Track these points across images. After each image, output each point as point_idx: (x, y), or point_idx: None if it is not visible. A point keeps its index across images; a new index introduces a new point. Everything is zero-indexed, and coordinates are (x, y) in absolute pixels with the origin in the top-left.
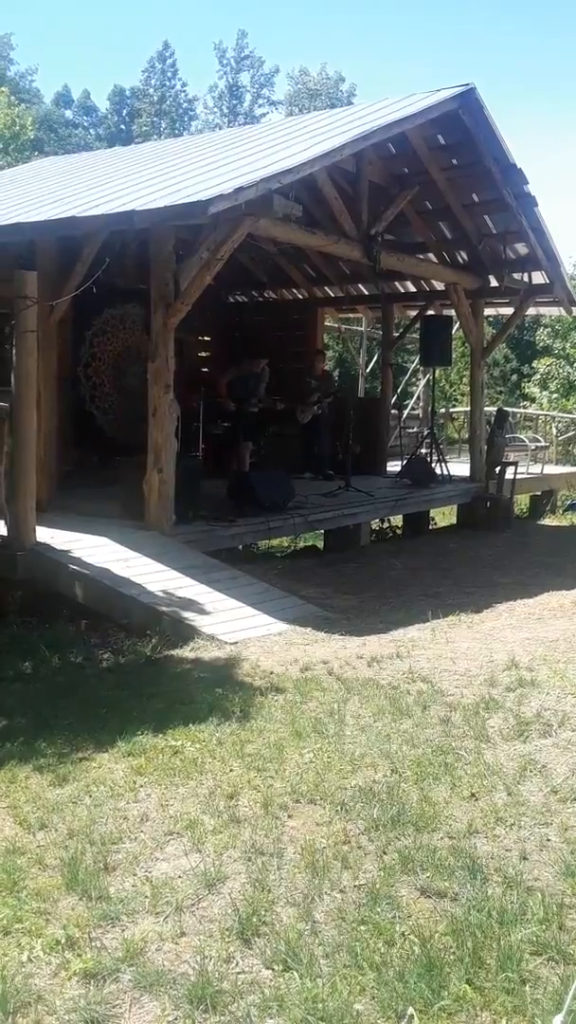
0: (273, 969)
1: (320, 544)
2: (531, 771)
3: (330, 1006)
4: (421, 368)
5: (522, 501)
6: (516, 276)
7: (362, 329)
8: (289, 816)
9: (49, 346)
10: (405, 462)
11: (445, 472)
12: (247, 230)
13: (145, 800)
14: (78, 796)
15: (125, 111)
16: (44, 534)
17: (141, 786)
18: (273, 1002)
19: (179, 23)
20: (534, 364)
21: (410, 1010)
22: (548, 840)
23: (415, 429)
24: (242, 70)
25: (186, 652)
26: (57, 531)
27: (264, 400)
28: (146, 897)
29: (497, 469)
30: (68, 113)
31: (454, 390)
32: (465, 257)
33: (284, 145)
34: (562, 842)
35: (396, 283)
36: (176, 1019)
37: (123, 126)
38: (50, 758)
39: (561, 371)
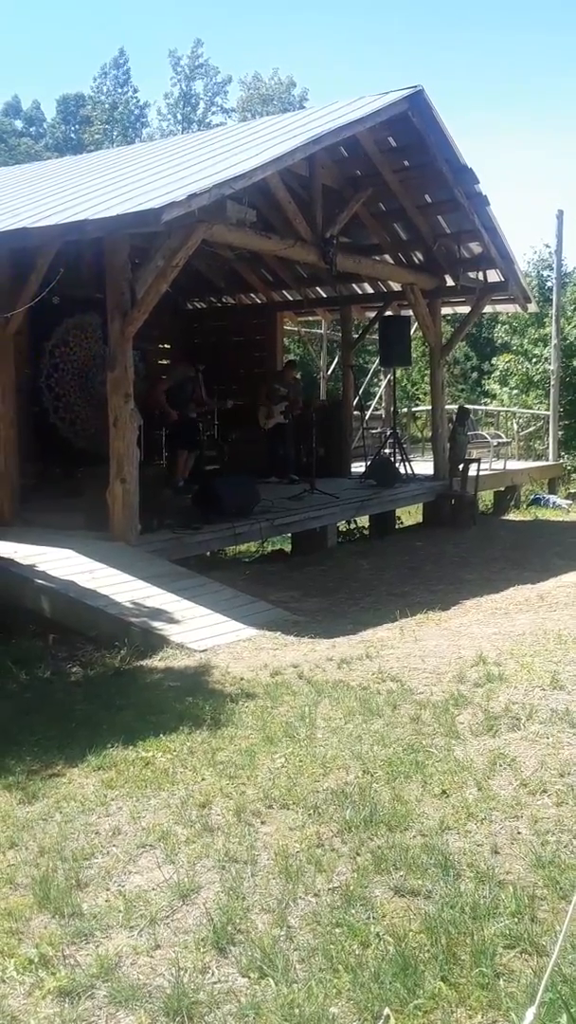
0: (249, 977)
1: (288, 548)
2: (501, 765)
3: (307, 1011)
4: (382, 369)
5: (486, 497)
6: (471, 275)
7: (322, 331)
8: (262, 822)
9: (6, 358)
10: (369, 463)
11: (409, 471)
12: (201, 236)
13: (116, 813)
14: (48, 813)
15: (75, 120)
16: (7, 548)
17: (112, 799)
18: (250, 1010)
19: (132, 30)
20: (493, 361)
21: (386, 1011)
22: (519, 833)
23: (378, 430)
24: (196, 78)
25: (155, 662)
26: (20, 545)
27: (207, 403)
28: (120, 911)
29: (460, 467)
30: (18, 123)
31: (416, 389)
32: (421, 257)
33: (236, 151)
34: (532, 834)
35: (353, 285)
36: None
37: (72, 135)
38: (19, 775)
39: (520, 367)
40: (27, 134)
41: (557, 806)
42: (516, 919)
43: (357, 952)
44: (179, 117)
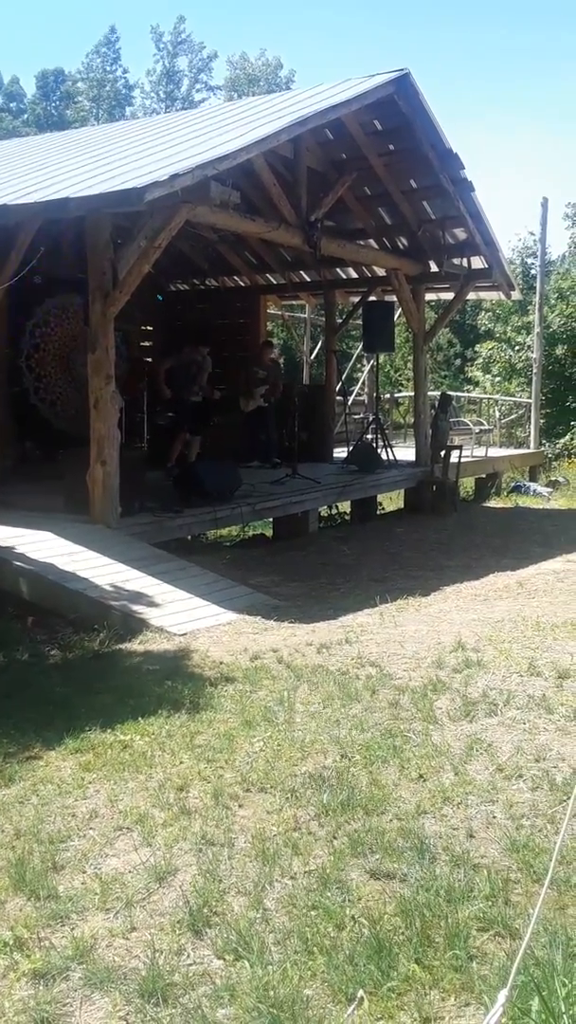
0: (224, 959)
1: (269, 532)
2: (477, 750)
3: (281, 992)
4: (365, 354)
5: (467, 484)
6: (456, 261)
7: (305, 316)
8: (240, 805)
9: None
10: (351, 448)
11: (391, 457)
12: (185, 217)
13: (94, 796)
14: (25, 796)
15: (55, 97)
16: None
17: (89, 782)
18: (224, 992)
19: (117, 7)
20: (476, 348)
21: (360, 992)
22: (494, 817)
23: (360, 415)
24: (179, 54)
25: (135, 645)
26: None
27: (204, 389)
28: (96, 894)
29: (442, 453)
30: None
31: (399, 375)
32: (405, 243)
33: (221, 131)
34: (507, 819)
35: (338, 269)
36: (127, 1014)
37: (53, 112)
38: None
39: (503, 354)
40: (7, 110)
41: (532, 791)
42: (490, 902)
43: (332, 935)
44: (162, 95)
